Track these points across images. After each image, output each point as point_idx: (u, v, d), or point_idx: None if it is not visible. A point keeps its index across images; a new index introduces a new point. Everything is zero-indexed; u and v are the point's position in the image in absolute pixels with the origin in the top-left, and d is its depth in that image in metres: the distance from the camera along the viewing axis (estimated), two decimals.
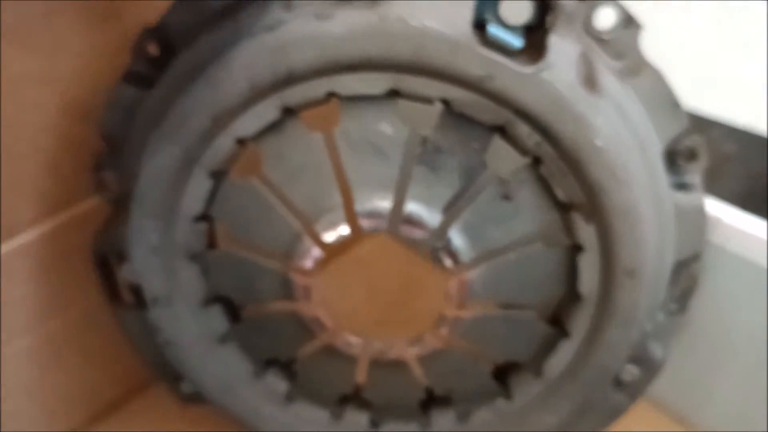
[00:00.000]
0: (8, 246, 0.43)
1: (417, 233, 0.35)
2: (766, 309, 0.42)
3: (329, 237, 0.36)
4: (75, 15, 0.40)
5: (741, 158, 0.52)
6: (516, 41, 0.33)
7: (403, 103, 0.34)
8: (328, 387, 0.42)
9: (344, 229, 0.36)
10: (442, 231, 0.35)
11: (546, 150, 0.33)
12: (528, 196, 0.35)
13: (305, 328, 0.39)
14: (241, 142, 0.35)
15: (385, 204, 0.35)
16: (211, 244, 0.38)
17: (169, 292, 0.38)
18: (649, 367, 0.40)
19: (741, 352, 0.45)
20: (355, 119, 0.35)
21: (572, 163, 0.33)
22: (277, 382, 0.42)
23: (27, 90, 0.40)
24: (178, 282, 0.38)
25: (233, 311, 0.40)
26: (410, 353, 0.39)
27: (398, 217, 0.35)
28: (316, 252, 0.36)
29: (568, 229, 0.36)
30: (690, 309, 0.41)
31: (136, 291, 0.40)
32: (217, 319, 0.40)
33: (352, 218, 0.36)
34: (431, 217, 0.35)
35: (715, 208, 0.41)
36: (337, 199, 0.36)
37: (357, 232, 0.36)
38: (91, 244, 0.41)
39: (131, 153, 0.37)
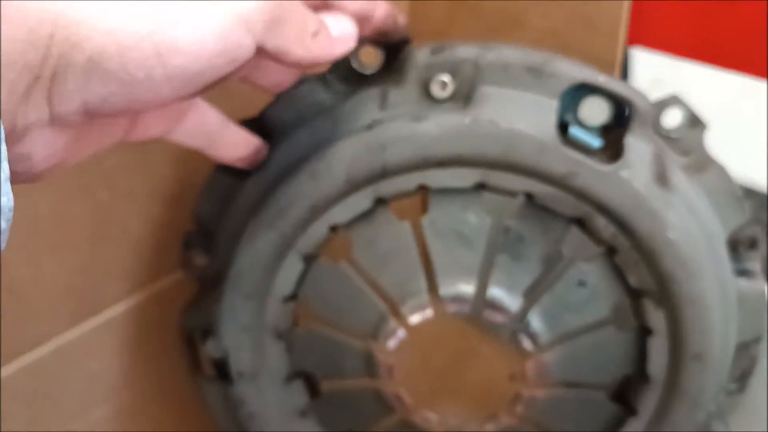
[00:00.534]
0: (93, 322, 0.45)
1: (498, 317, 0.38)
2: None
3: (414, 319, 0.38)
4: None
5: None
6: (595, 141, 0.36)
7: (488, 196, 0.36)
8: None
9: (429, 312, 0.38)
10: (521, 315, 0.38)
11: (621, 241, 0.36)
12: (602, 283, 0.38)
13: (384, 403, 0.41)
14: (334, 228, 0.37)
15: (468, 289, 0.37)
16: (296, 321, 0.41)
17: (255, 367, 0.40)
18: None
19: None
20: (442, 209, 0.37)
21: (645, 253, 0.36)
22: None
23: (121, 179, 0.43)
24: (264, 358, 0.40)
25: (313, 386, 0.42)
26: (485, 429, 0.41)
27: (481, 302, 0.37)
28: (401, 333, 0.38)
29: (639, 313, 0.38)
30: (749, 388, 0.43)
31: (219, 365, 0.42)
32: (298, 393, 0.42)
33: (436, 302, 0.38)
34: (512, 301, 0.38)
35: None
36: (422, 283, 0.38)
37: (441, 315, 0.38)
38: (178, 320, 0.43)
39: (226, 237, 0.39)
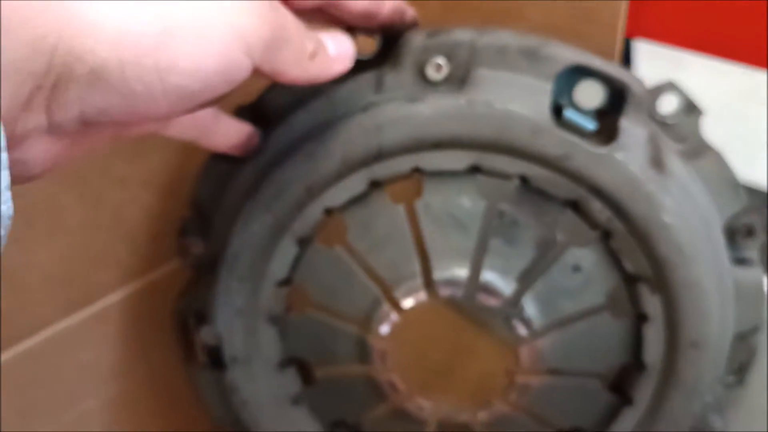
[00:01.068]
0: (86, 312, 0.45)
1: (492, 301, 0.37)
2: None
3: (407, 303, 0.38)
4: None
5: None
6: (589, 124, 0.36)
7: (482, 179, 0.36)
8: None
9: (422, 296, 0.38)
10: (515, 299, 0.37)
11: (616, 225, 0.36)
12: (597, 268, 0.37)
13: (377, 390, 0.41)
14: (329, 211, 0.37)
15: (462, 273, 0.37)
16: (290, 307, 0.40)
17: (249, 353, 0.40)
18: None
19: None
20: (437, 193, 0.37)
21: (641, 238, 0.36)
22: None
23: (115, 167, 0.43)
24: (257, 343, 0.40)
25: (306, 373, 0.42)
26: (478, 418, 0.40)
27: (475, 286, 0.37)
28: (394, 317, 0.38)
29: (635, 299, 0.37)
30: (747, 383, 0.42)
31: (213, 352, 0.42)
32: (291, 380, 0.41)
33: (430, 286, 0.38)
34: (506, 286, 0.37)
35: None
36: (416, 267, 0.38)
37: (434, 299, 0.38)
38: (172, 306, 0.43)
39: (222, 220, 0.39)
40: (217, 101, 0.26)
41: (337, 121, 0.35)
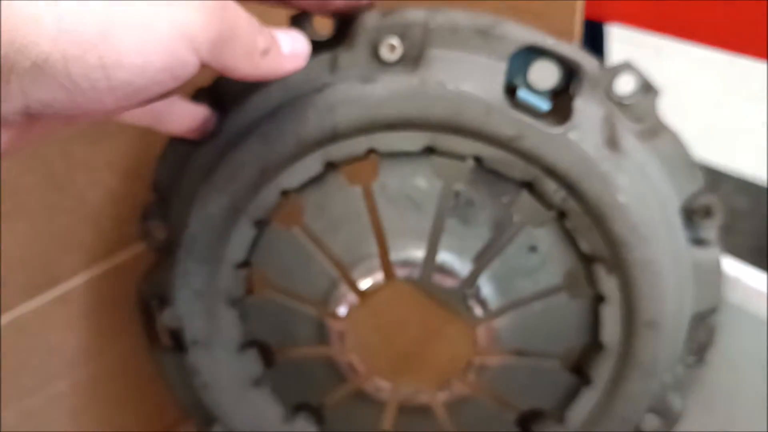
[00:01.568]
0: (50, 295, 0.45)
1: (448, 281, 0.37)
2: None
3: (365, 284, 0.38)
4: None
5: (752, 213, 0.54)
6: (543, 104, 0.36)
7: (437, 160, 0.36)
8: None
9: (379, 277, 0.38)
10: (471, 279, 0.37)
11: (571, 205, 0.36)
12: (553, 248, 0.38)
13: (337, 372, 0.41)
14: (285, 193, 0.37)
15: (418, 253, 0.37)
16: (250, 289, 0.41)
17: (209, 335, 0.40)
18: (669, 418, 0.41)
19: (756, 410, 0.46)
20: (392, 174, 0.37)
21: (596, 218, 0.36)
22: (307, 427, 0.43)
23: (78, 149, 0.43)
24: (217, 326, 0.40)
25: (268, 355, 0.42)
26: (438, 399, 0.41)
27: (431, 266, 0.37)
28: (352, 298, 0.38)
29: (591, 280, 0.38)
30: (707, 363, 0.43)
31: (175, 335, 0.42)
32: (252, 362, 0.42)
33: (387, 266, 0.38)
34: (462, 266, 0.38)
35: (733, 267, 0.43)
36: (373, 248, 0.38)
37: (391, 280, 0.38)
38: (135, 290, 0.43)
39: (181, 203, 0.39)
40: (166, 96, 0.26)
41: (292, 102, 0.35)
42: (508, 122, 0.34)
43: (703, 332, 0.41)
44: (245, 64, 0.27)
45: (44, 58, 0.21)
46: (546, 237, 0.37)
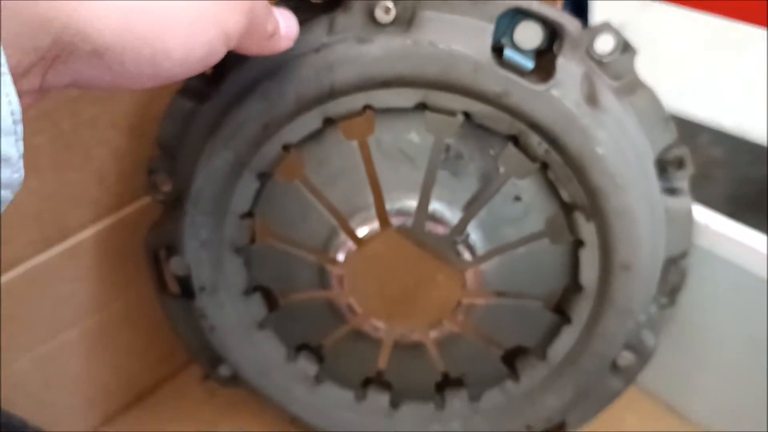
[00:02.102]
0: (59, 248, 0.47)
1: (439, 229, 0.40)
2: (749, 309, 0.46)
3: (362, 232, 0.41)
4: None
5: (728, 162, 0.56)
6: (528, 63, 0.38)
7: (429, 115, 0.39)
8: (353, 370, 0.47)
9: (375, 225, 0.41)
10: (461, 227, 0.40)
11: (553, 157, 0.38)
12: (536, 198, 0.40)
13: (336, 314, 0.44)
14: (286, 148, 0.40)
15: (411, 203, 0.40)
16: (253, 239, 0.43)
17: (215, 281, 0.43)
18: (643, 354, 0.44)
19: (723, 347, 0.50)
20: (387, 129, 0.40)
21: (576, 169, 0.38)
22: (308, 366, 0.46)
23: (84, 108, 0.45)
24: (223, 272, 0.43)
25: (271, 300, 0.45)
26: (429, 337, 0.44)
27: (423, 215, 0.40)
28: (350, 245, 0.41)
29: (571, 226, 0.40)
30: (679, 304, 0.46)
31: (183, 282, 0.45)
32: (256, 306, 0.45)
33: (382, 216, 0.40)
34: (452, 215, 0.40)
35: (703, 214, 0.46)
36: (369, 199, 0.40)
37: (386, 228, 0.40)
38: (143, 241, 0.46)
39: (186, 158, 0.41)
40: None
41: (292, 61, 0.37)
42: (496, 79, 0.37)
43: (675, 275, 0.45)
44: (254, 47, 0.31)
45: (105, 47, 0.24)
46: (530, 187, 0.40)
